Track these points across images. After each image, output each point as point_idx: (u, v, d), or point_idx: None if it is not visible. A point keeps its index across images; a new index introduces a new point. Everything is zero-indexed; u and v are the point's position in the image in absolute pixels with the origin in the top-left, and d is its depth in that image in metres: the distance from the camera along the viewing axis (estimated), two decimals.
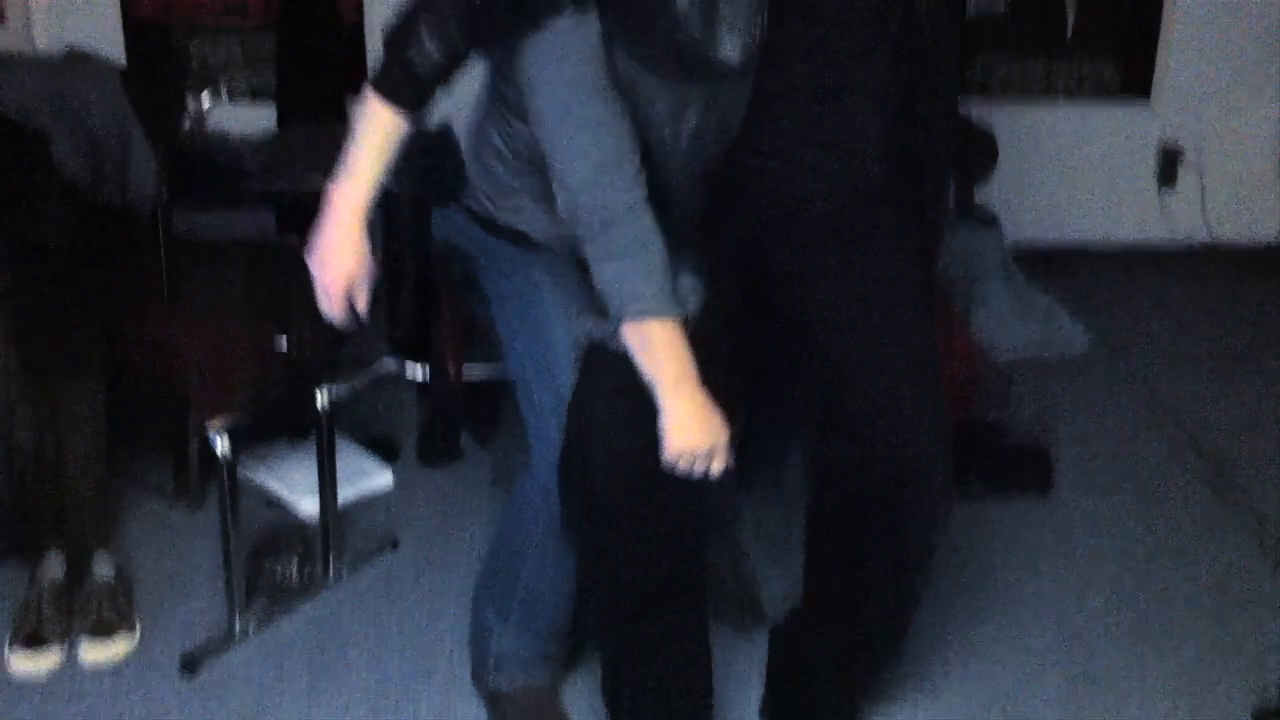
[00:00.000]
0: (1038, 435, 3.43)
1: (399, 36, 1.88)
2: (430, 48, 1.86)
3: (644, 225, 1.82)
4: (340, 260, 1.98)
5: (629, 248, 1.81)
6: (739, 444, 1.95)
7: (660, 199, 1.84)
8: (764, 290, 2.01)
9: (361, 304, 2.01)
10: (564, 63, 1.82)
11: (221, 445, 2.38)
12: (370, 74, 1.94)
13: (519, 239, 2.08)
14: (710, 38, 1.74)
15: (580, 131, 1.82)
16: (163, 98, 2.96)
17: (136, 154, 2.60)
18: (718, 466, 1.86)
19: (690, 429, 1.83)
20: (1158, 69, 4.50)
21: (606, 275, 1.84)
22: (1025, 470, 3.23)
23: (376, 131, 1.94)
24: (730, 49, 1.74)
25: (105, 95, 2.55)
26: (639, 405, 1.84)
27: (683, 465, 1.85)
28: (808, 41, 1.83)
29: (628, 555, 1.95)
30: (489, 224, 2.12)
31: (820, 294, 1.95)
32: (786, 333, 2.03)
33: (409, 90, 1.90)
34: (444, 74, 1.89)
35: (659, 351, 1.82)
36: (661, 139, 1.82)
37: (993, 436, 3.33)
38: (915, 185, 1.99)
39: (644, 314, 1.81)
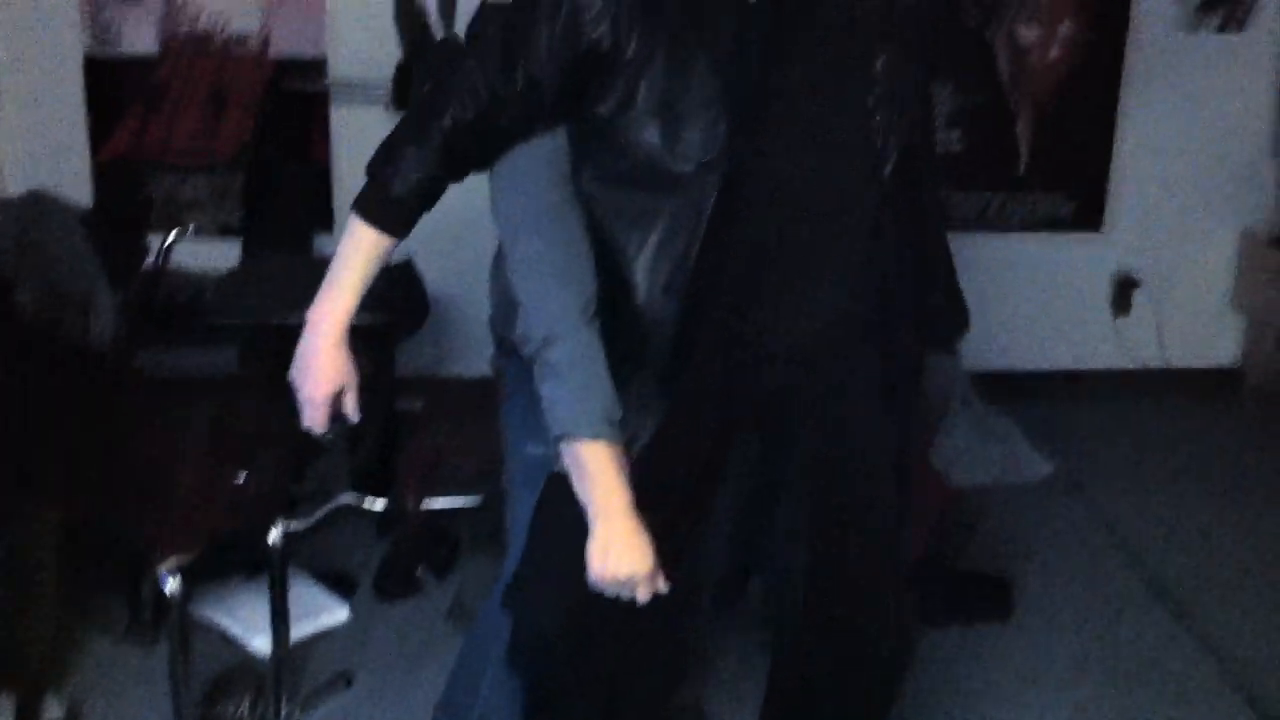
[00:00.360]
0: (998, 563, 3.44)
1: (379, 158, 1.91)
2: (406, 169, 1.88)
3: (585, 345, 1.82)
4: (321, 370, 1.95)
5: (567, 367, 1.81)
6: (695, 579, 1.96)
7: (627, 315, 1.84)
8: (734, 429, 2.00)
9: (350, 408, 1.98)
10: (523, 179, 1.87)
11: (171, 585, 2.37)
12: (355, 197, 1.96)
13: (517, 354, 2.10)
14: (670, 146, 1.78)
15: (529, 247, 1.86)
16: (125, 239, 3.00)
17: (98, 294, 2.63)
18: (644, 595, 1.85)
19: (616, 555, 1.81)
20: (1109, 200, 4.60)
21: (545, 393, 1.84)
22: (986, 598, 3.24)
23: (356, 250, 1.92)
24: (689, 157, 1.78)
25: (67, 237, 2.59)
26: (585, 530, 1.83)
27: (608, 590, 1.84)
28: (780, 189, 1.85)
29: (567, 689, 1.95)
30: (500, 341, 2.16)
31: (794, 449, 1.97)
32: (755, 480, 2.04)
33: (387, 210, 1.89)
34: (422, 195, 1.88)
35: (590, 474, 1.81)
36: (626, 251, 1.83)
37: (953, 564, 3.35)
38: (895, 321, 1.99)
39: (576, 436, 1.81)
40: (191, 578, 2.43)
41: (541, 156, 1.86)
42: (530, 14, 1.83)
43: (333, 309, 1.92)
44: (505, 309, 2.06)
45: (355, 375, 1.96)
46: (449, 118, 1.84)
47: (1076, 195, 4.60)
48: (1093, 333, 4.69)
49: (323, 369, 1.93)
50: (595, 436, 1.81)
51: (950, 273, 2.09)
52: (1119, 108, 4.51)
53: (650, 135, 1.79)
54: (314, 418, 1.95)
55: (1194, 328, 4.74)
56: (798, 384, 1.95)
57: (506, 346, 2.11)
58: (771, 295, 1.89)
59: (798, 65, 1.83)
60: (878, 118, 1.86)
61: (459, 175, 1.90)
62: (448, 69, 1.94)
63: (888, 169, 1.88)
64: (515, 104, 1.83)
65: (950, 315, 2.09)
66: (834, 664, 2.04)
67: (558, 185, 1.85)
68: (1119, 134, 4.54)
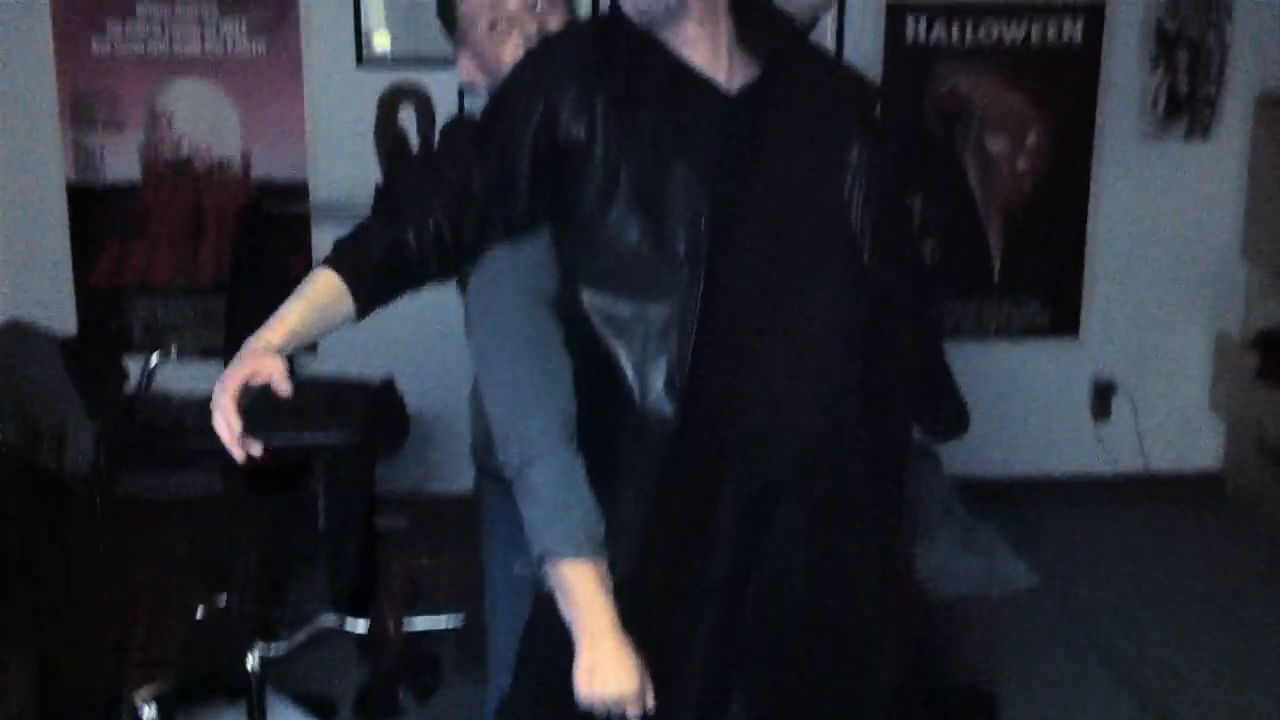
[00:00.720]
0: (982, 675, 3.42)
1: (348, 235, 1.89)
2: (375, 233, 1.84)
3: (564, 464, 1.82)
4: (227, 378, 1.73)
5: (548, 487, 1.81)
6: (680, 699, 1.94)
7: (628, 418, 1.84)
8: (719, 538, 1.96)
9: (282, 385, 1.73)
10: (497, 296, 1.87)
11: (148, 715, 2.35)
12: None
13: (499, 478, 2.10)
14: (653, 245, 1.79)
15: (505, 372, 1.86)
16: (104, 366, 3.01)
17: (74, 423, 2.63)
18: (633, 713, 1.83)
19: (603, 674, 1.80)
20: (1084, 305, 4.65)
21: (526, 513, 1.83)
22: (969, 713, 3.22)
23: (309, 284, 1.81)
24: (673, 254, 1.79)
25: (45, 366, 2.61)
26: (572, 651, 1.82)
27: (597, 710, 1.82)
28: (763, 283, 1.87)
29: None
30: (481, 466, 2.16)
31: (781, 580, 1.95)
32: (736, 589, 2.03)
33: (347, 257, 1.82)
34: (387, 260, 1.82)
35: (573, 594, 1.80)
36: (621, 357, 1.83)
37: (936, 677, 3.32)
38: (882, 414, 1.98)
39: (559, 555, 1.80)
40: (170, 705, 2.40)
41: (516, 270, 1.87)
42: (506, 109, 1.86)
43: (256, 337, 1.76)
44: (485, 435, 2.04)
45: (281, 365, 1.72)
46: (423, 205, 1.84)
47: (1051, 302, 4.65)
48: (1073, 438, 4.71)
49: (226, 376, 1.72)
50: (578, 555, 1.80)
51: (943, 366, 2.11)
52: (1089, 215, 4.58)
53: (633, 234, 1.81)
54: (223, 430, 1.70)
55: (1174, 431, 4.76)
56: (787, 481, 1.92)
57: (488, 471, 2.12)
58: (761, 387, 1.88)
59: (775, 155, 1.87)
60: (854, 207, 1.89)
61: (427, 258, 1.85)
62: (423, 167, 1.95)
63: (867, 254, 1.90)
64: (490, 194, 1.84)
65: (947, 409, 2.11)
66: None
67: (532, 301, 1.86)
68: (1090, 240, 4.60)
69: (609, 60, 1.84)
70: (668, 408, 1.82)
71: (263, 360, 1.71)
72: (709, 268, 1.80)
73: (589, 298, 1.84)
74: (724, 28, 1.87)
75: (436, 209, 1.84)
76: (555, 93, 1.82)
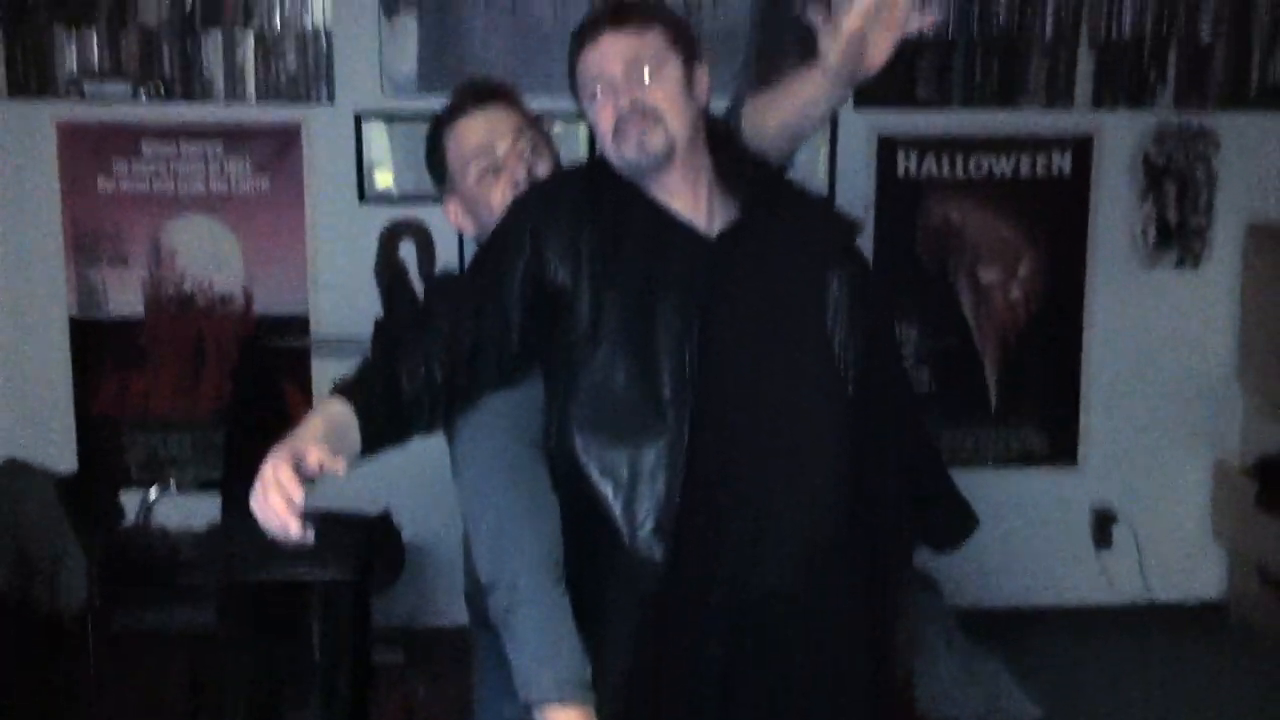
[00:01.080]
0: None
1: (362, 366, 1.90)
2: (372, 374, 1.86)
3: (550, 608, 1.83)
4: (270, 468, 1.66)
5: (534, 631, 1.82)
6: None
7: (617, 557, 1.85)
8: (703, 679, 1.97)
9: (335, 465, 1.70)
10: (483, 440, 1.89)
11: None
12: None
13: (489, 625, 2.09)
14: (640, 387, 1.83)
15: (491, 518, 1.87)
16: (100, 503, 3.02)
17: (69, 560, 2.63)
18: None
19: None
20: (1081, 434, 4.66)
21: (513, 658, 1.84)
22: None
23: (324, 407, 1.82)
24: (660, 396, 1.82)
25: (41, 504, 2.61)
26: None
27: None
28: (750, 419, 1.90)
29: None
30: (474, 610, 2.15)
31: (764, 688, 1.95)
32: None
33: (353, 387, 1.84)
34: (388, 395, 1.84)
35: None
36: (609, 498, 1.85)
37: None
38: (875, 537, 2.00)
39: (545, 702, 1.81)
40: None
41: (501, 413, 1.90)
42: (495, 255, 1.92)
43: (291, 434, 1.73)
44: (476, 583, 2.04)
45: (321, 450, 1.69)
46: (417, 351, 1.87)
47: (1049, 430, 4.66)
48: (1075, 567, 4.68)
49: (276, 452, 1.68)
50: (563, 700, 1.81)
51: (944, 477, 2.12)
52: (1084, 343, 4.61)
53: (619, 377, 1.85)
54: (274, 514, 1.64)
55: (1176, 561, 4.73)
56: (774, 607, 1.93)
57: (480, 615, 2.12)
58: (749, 522, 1.90)
59: (757, 294, 1.91)
60: (837, 338, 1.93)
61: (421, 403, 1.86)
62: (418, 314, 1.99)
63: (851, 387, 1.93)
64: (482, 339, 1.88)
65: (953, 517, 2.11)
66: None
67: (518, 443, 1.88)
68: (1086, 368, 4.63)
69: (594, 208, 1.90)
70: (655, 550, 1.84)
71: (309, 444, 1.68)
72: (695, 408, 1.83)
73: (577, 439, 1.87)
74: (704, 174, 1.94)
75: (430, 355, 1.87)
76: (542, 239, 1.88)
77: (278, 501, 1.63)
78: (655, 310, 1.85)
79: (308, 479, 1.67)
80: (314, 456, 1.67)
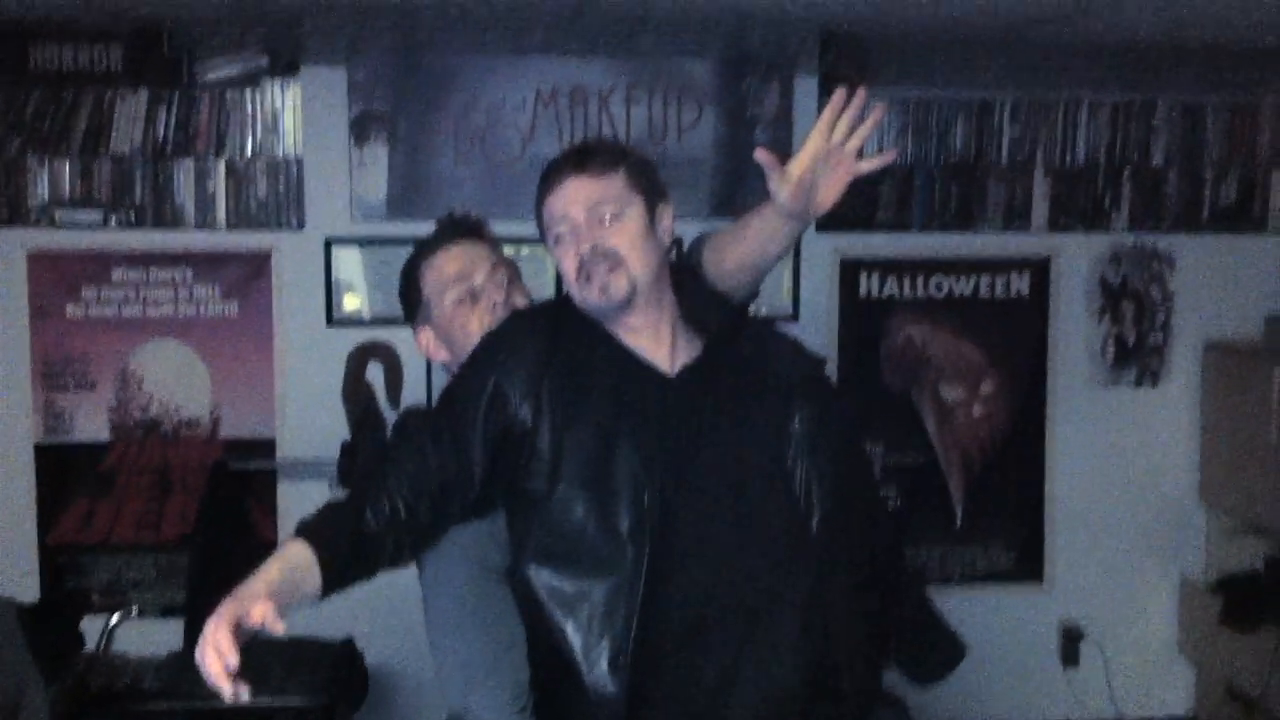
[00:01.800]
0: None
1: (327, 504, 1.92)
2: (338, 515, 1.87)
3: None
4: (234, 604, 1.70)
5: None
6: None
7: (576, 692, 1.85)
8: None
9: (276, 625, 1.69)
10: (448, 567, 1.91)
11: None
12: None
13: None
14: (598, 522, 1.84)
15: (458, 655, 1.89)
16: (61, 632, 2.99)
17: (30, 689, 2.60)
18: None
19: None
20: (1047, 551, 4.68)
21: None
22: None
23: (284, 550, 1.85)
24: (617, 531, 1.84)
25: (2, 634, 2.58)
26: None
27: None
28: (710, 553, 1.90)
29: None
30: None
31: None
32: None
33: (313, 529, 1.85)
34: (353, 540, 1.85)
35: None
36: (566, 633, 1.86)
37: None
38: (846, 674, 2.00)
39: None
40: None
41: (468, 546, 1.92)
42: (460, 393, 1.94)
43: (243, 585, 1.76)
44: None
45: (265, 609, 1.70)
46: (382, 489, 1.89)
47: (1014, 547, 4.68)
48: (1043, 685, 4.68)
49: (221, 611, 1.70)
50: None
51: (925, 606, 2.12)
52: (1047, 460, 4.66)
53: (578, 512, 1.86)
54: (214, 664, 1.65)
55: (1144, 678, 4.74)
56: None
57: None
58: (711, 658, 1.89)
59: (717, 430, 1.93)
60: (798, 474, 1.94)
61: (384, 540, 1.88)
62: (385, 450, 2.02)
63: (814, 522, 1.94)
64: (446, 477, 1.90)
65: (938, 649, 2.11)
66: None
67: (484, 575, 1.90)
68: (1050, 485, 4.67)
69: (557, 348, 1.93)
70: (611, 686, 1.84)
71: (254, 601, 1.69)
72: (654, 545, 1.84)
73: (536, 574, 1.88)
74: (668, 312, 1.98)
75: (395, 494, 1.89)
76: (504, 377, 1.91)
77: (214, 663, 1.65)
78: (615, 447, 1.87)
79: (249, 632, 1.69)
80: (257, 615, 1.68)
